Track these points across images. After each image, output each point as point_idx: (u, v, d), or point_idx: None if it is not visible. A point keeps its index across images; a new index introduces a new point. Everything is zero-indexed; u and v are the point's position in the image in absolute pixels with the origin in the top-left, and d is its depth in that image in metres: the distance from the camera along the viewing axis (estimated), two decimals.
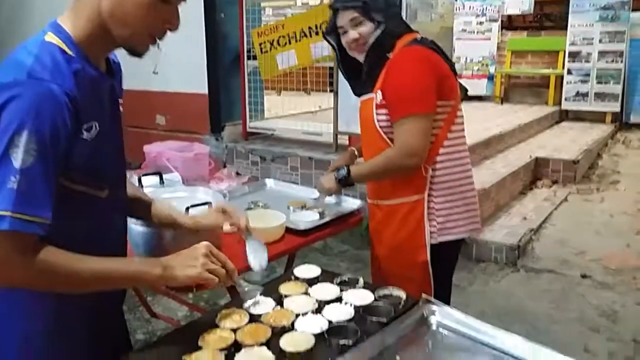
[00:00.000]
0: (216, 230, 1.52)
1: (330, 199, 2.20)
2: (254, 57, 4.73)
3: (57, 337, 1.20)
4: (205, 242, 1.25)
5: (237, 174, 2.48)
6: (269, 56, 4.62)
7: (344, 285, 1.46)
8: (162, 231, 1.55)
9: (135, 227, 1.65)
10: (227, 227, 1.49)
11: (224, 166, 4.87)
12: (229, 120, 4.97)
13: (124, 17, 1.11)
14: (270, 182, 2.50)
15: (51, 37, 1.11)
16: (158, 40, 1.18)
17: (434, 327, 1.31)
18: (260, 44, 4.64)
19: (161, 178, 1.97)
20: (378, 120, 1.83)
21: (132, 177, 2.11)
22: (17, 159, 1.00)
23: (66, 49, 1.11)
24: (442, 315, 1.33)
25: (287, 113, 6.06)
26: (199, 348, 1.18)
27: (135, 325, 3.13)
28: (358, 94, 1.96)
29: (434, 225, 1.85)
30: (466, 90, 1.98)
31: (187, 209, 1.63)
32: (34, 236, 1.03)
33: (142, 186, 1.94)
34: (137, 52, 1.19)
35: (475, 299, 3.31)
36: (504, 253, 3.80)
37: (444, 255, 1.90)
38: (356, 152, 2.15)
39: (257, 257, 1.47)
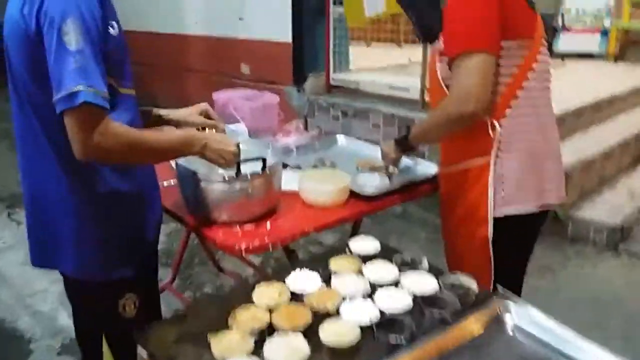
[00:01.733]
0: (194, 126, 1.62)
1: (407, 161, 1.96)
2: (341, 3, 4.45)
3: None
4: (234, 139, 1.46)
5: (318, 129, 2.32)
6: (355, 1, 4.31)
7: (405, 266, 1.25)
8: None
9: None
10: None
11: (305, 119, 4.72)
12: (312, 72, 4.77)
13: None
14: (341, 139, 2.30)
15: None
16: None
17: (508, 331, 1.08)
18: None
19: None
20: (439, 70, 1.55)
21: None
22: (71, 42, 1.11)
23: None
24: (519, 316, 1.09)
25: (375, 66, 5.75)
26: (228, 325, 1.04)
27: (203, 278, 3.12)
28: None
29: (500, 193, 1.53)
30: (554, 29, 1.62)
31: (239, 164, 1.49)
32: (103, 109, 1.15)
33: None
34: None
35: (567, 284, 2.97)
36: (605, 234, 3.38)
37: (512, 234, 1.55)
38: None
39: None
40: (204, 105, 1.67)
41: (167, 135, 1.33)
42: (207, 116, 1.65)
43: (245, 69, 5.16)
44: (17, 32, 1.17)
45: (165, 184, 1.78)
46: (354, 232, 2.20)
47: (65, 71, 1.10)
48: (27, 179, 1.35)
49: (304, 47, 4.69)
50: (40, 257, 1.41)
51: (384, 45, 7.75)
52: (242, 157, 1.50)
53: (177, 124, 1.62)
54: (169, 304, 2.72)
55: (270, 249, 1.53)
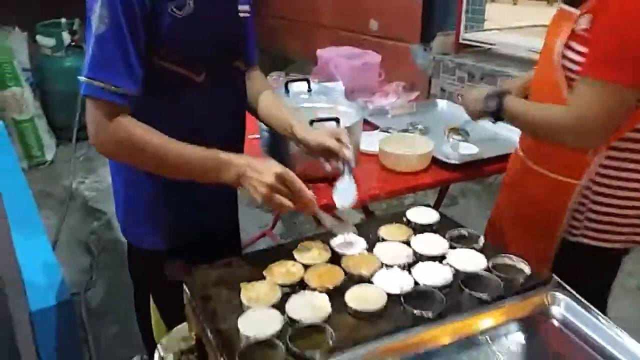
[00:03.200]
0: (317, 149, 1.31)
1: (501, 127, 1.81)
2: None
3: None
4: (280, 168, 1.12)
5: (405, 87, 2.23)
6: None
7: (458, 241, 1.19)
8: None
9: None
10: (328, 167, 1.32)
11: (430, 80, 4.56)
12: (442, 30, 4.55)
13: None
14: (442, 104, 2.20)
15: None
16: None
17: (552, 322, 0.99)
18: None
19: (309, 84, 1.84)
20: (564, 56, 1.26)
21: (280, 80, 2.04)
22: (94, 25, 1.04)
23: None
24: (567, 309, 1.00)
25: (517, 25, 5.32)
26: (262, 277, 1.08)
27: (306, 228, 3.21)
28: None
29: (580, 220, 1.34)
30: None
31: (312, 122, 1.50)
32: (114, 104, 1.07)
33: (288, 92, 1.85)
34: None
35: None
36: None
37: (585, 263, 1.35)
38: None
39: (342, 195, 1.27)
40: (339, 130, 1.34)
41: (200, 152, 1.13)
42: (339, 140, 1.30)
43: (373, 24, 5.07)
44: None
45: (250, 137, 1.85)
46: (440, 199, 2.13)
47: (86, 56, 1.06)
48: None
49: (434, 3, 4.48)
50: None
51: (532, 3, 7.13)
52: (316, 116, 1.51)
53: (301, 142, 1.33)
54: None
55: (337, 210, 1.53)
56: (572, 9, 1.28)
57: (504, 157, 1.70)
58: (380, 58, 2.27)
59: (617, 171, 1.28)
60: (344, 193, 1.27)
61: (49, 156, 3.70)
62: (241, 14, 1.27)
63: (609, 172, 1.29)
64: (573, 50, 1.24)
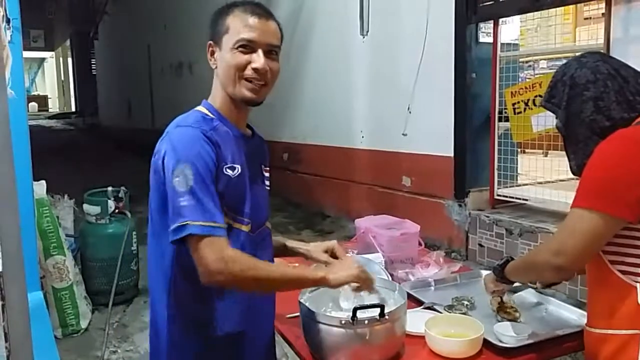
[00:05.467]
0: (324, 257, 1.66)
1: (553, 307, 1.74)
2: (506, 119, 4.32)
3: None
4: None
5: (461, 264, 2.17)
6: (522, 117, 4.16)
7: None
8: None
9: None
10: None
11: (467, 235, 4.52)
12: (475, 186, 4.61)
13: (222, 75, 1.44)
14: (486, 274, 2.11)
15: (199, 108, 1.49)
16: (255, 83, 1.41)
17: None
18: (513, 105, 4.22)
19: None
20: None
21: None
22: (181, 185, 1.28)
23: (208, 113, 1.45)
24: None
25: (550, 178, 5.35)
26: None
27: None
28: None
29: None
30: None
31: (355, 310, 1.44)
32: (217, 237, 1.28)
33: None
34: (248, 99, 1.43)
35: None
36: None
37: None
38: None
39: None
40: (331, 243, 1.69)
41: (296, 272, 1.46)
42: (334, 255, 1.66)
43: (406, 181, 5.19)
44: (153, 172, 1.40)
45: (288, 316, 1.79)
46: None
47: (175, 208, 1.28)
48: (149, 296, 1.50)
49: (466, 161, 4.59)
50: None
51: (563, 153, 7.23)
52: (360, 302, 1.47)
53: (304, 257, 1.71)
54: None
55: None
56: None
57: (563, 338, 1.61)
58: (418, 228, 2.25)
59: None
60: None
61: (83, 324, 3.65)
62: (267, 187, 1.58)
63: None
64: None
